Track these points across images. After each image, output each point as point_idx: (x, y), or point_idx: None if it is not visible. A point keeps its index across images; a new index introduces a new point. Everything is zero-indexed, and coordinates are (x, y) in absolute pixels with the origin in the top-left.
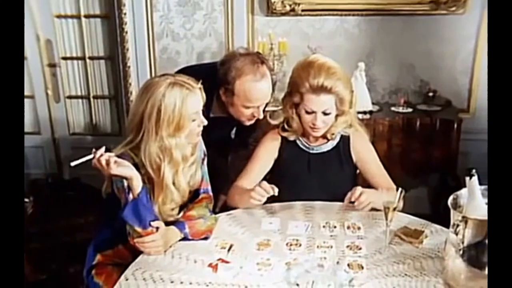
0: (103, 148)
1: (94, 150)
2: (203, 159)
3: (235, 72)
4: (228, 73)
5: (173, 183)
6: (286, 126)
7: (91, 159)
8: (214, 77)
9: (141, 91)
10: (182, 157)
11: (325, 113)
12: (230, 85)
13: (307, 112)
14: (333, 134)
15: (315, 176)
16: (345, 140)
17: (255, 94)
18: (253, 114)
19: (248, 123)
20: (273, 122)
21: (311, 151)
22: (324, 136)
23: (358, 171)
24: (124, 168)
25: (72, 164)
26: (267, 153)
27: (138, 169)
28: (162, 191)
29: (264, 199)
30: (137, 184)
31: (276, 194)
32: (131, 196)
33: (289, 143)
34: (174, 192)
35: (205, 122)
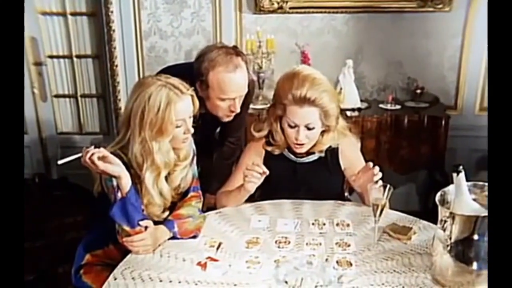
0: (92, 147)
1: (84, 148)
2: (192, 158)
3: (208, 63)
4: (202, 64)
5: (156, 186)
6: (270, 140)
7: (78, 158)
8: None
9: (133, 89)
10: (164, 163)
11: (308, 128)
12: (204, 76)
13: (290, 126)
14: (321, 151)
15: (302, 184)
16: (333, 149)
17: (229, 85)
18: (230, 108)
19: (226, 119)
20: (257, 135)
21: (297, 161)
22: (309, 152)
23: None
24: (112, 166)
25: (59, 162)
26: (250, 163)
27: (128, 168)
28: (144, 192)
29: (258, 177)
30: (126, 183)
31: (267, 173)
32: (119, 195)
33: (274, 153)
34: (154, 195)
35: (192, 131)
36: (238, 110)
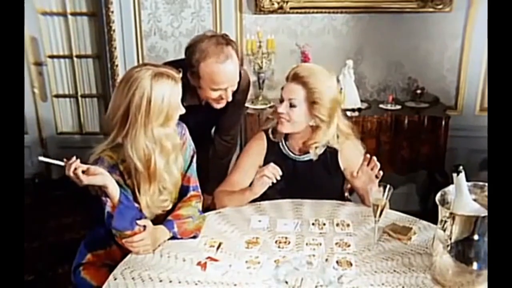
0: (74, 158)
1: (65, 160)
2: (192, 156)
3: (199, 54)
4: (193, 56)
5: (167, 168)
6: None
7: (60, 165)
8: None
9: (123, 84)
10: (172, 146)
11: (291, 104)
12: (195, 68)
13: (280, 101)
14: (316, 147)
15: (302, 183)
16: (332, 150)
17: (220, 76)
18: (221, 96)
19: (217, 106)
20: (264, 127)
21: (297, 159)
22: (306, 151)
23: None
24: (95, 178)
25: (40, 158)
26: (251, 162)
27: (117, 169)
28: (153, 182)
29: (271, 182)
30: (114, 190)
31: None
32: (109, 203)
33: (274, 152)
34: (167, 179)
35: (183, 110)
36: (230, 99)
